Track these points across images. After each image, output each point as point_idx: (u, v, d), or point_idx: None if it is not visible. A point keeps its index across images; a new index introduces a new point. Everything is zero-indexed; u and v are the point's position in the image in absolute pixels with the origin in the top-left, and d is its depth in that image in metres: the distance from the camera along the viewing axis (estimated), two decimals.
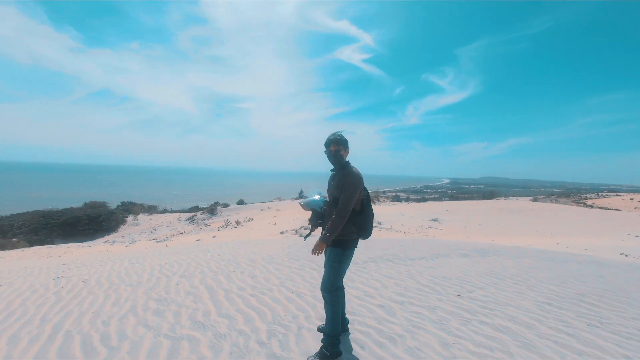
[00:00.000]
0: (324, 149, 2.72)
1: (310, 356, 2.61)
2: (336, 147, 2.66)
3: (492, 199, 48.32)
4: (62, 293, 4.19)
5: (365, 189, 2.72)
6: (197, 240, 12.90)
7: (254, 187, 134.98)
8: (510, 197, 70.00)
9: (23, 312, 3.55)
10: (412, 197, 69.90)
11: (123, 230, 30.22)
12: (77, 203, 38.08)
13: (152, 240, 16.23)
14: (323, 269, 2.79)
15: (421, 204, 37.89)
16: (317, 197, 2.85)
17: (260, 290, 4.02)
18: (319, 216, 2.75)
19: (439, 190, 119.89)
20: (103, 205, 36.52)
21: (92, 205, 35.64)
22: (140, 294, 4.01)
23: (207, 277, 4.65)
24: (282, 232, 14.33)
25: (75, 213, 30.83)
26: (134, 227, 30.62)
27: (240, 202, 42.75)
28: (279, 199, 44.28)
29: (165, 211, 39.44)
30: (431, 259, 6.00)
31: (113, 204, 40.19)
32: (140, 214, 34.78)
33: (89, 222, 29.76)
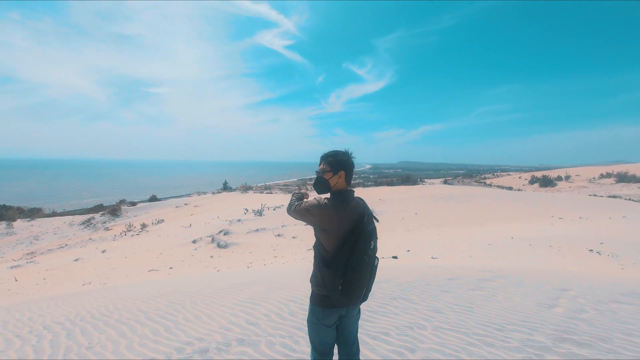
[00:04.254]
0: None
1: None
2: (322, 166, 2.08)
3: (410, 182, 51.48)
4: None
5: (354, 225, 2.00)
6: (75, 260, 9.80)
7: (172, 179, 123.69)
8: (425, 180, 76.04)
9: None
10: None
11: None
12: None
13: (15, 263, 12.46)
14: None
15: None
16: None
17: None
18: None
19: (362, 176, 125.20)
20: None
21: None
22: None
23: None
24: (194, 241, 12.05)
25: None
26: (6, 238, 24.61)
27: (153, 199, 38.00)
28: (198, 193, 40.56)
29: (54, 214, 32.89)
30: None
31: None
32: (18, 220, 28.29)
33: None
